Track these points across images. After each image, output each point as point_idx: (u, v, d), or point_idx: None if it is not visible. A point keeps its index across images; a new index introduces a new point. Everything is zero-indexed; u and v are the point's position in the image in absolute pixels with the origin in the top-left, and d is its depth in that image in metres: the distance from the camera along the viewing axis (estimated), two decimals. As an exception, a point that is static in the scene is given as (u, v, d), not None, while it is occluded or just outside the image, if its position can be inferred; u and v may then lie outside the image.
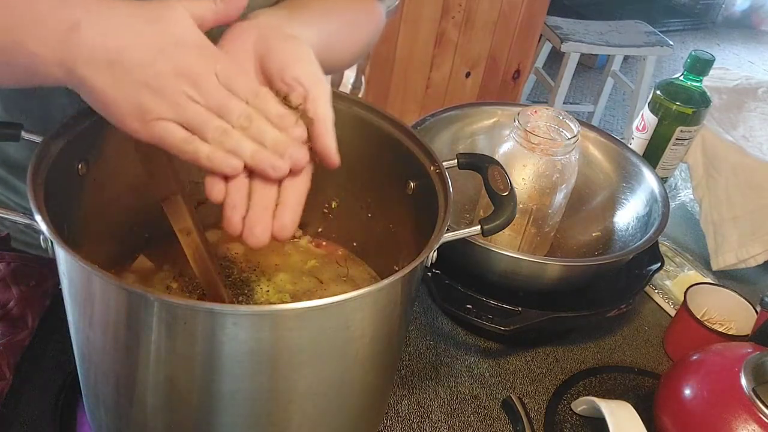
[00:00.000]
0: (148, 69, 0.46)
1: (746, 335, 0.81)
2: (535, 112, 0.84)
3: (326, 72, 0.58)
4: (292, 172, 0.50)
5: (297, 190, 0.51)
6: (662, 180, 0.93)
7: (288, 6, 0.60)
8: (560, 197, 0.85)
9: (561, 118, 0.83)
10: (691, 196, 1.09)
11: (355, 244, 0.75)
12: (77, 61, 0.46)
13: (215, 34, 0.52)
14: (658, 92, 1.01)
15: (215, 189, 0.49)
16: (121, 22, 0.47)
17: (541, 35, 2.74)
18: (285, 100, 0.51)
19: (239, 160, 0.49)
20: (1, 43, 0.47)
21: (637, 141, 1.05)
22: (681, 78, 1.01)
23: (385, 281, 0.48)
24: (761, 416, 0.61)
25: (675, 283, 0.97)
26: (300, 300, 0.61)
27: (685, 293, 0.84)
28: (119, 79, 0.46)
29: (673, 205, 1.06)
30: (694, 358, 0.71)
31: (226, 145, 0.48)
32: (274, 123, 0.49)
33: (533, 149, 0.81)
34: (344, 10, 0.68)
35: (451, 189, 0.57)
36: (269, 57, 0.52)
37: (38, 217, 0.46)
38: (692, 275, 0.99)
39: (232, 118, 0.48)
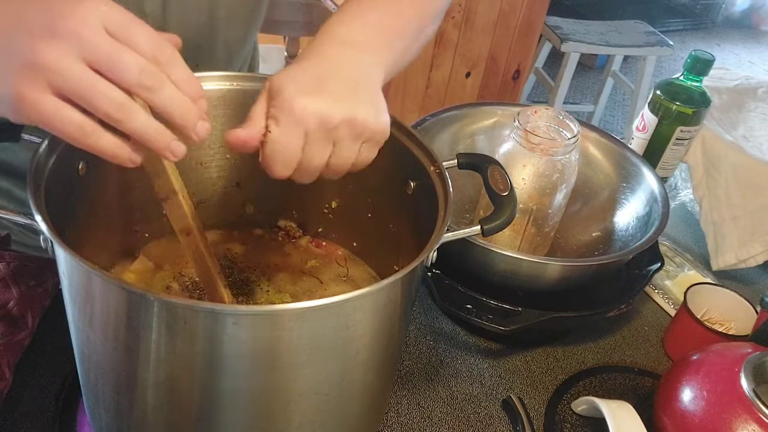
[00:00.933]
0: (12, 23, 0.40)
1: (746, 335, 0.81)
2: (535, 112, 0.84)
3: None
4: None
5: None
6: (662, 180, 0.93)
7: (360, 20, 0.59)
8: (560, 197, 0.85)
9: (561, 118, 0.83)
10: (691, 196, 1.09)
11: (355, 244, 0.75)
12: None
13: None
14: (658, 92, 1.01)
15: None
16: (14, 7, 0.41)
17: (541, 35, 2.74)
18: None
19: (140, 154, 0.45)
20: None
21: (637, 141, 1.05)
22: (681, 78, 1.01)
23: (385, 281, 0.48)
24: (761, 416, 0.61)
25: (675, 283, 0.97)
26: (300, 300, 0.61)
27: (685, 293, 0.84)
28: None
29: (673, 205, 1.06)
30: (694, 358, 0.71)
31: (125, 123, 0.41)
32: (178, 85, 0.44)
33: (533, 149, 0.81)
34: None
35: (451, 189, 0.57)
36: None
37: (38, 217, 0.46)
38: (692, 275, 0.99)
39: (130, 77, 0.40)
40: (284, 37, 1.68)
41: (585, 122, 0.93)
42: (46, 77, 0.39)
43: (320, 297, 0.68)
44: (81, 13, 0.39)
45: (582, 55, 2.81)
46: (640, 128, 1.04)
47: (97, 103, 0.40)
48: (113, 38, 0.40)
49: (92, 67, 0.40)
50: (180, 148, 0.45)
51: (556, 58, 2.94)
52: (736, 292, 0.87)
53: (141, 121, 0.42)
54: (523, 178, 0.82)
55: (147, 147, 0.45)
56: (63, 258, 0.49)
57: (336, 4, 1.52)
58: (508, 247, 0.84)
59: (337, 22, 0.58)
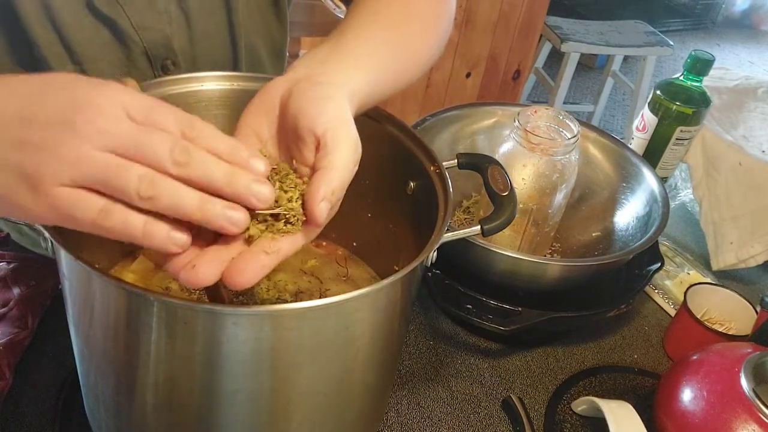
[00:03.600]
0: (24, 115, 0.35)
1: (746, 335, 0.81)
2: (535, 112, 0.84)
3: (395, 94, 0.56)
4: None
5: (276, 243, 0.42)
6: (662, 180, 0.93)
7: (329, 47, 0.53)
8: (560, 197, 0.85)
9: (561, 118, 0.83)
10: (691, 196, 1.09)
11: (355, 244, 0.75)
12: None
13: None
14: (658, 92, 1.01)
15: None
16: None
17: (541, 35, 2.74)
18: (300, 156, 0.45)
19: (184, 233, 0.38)
20: None
21: (637, 141, 1.05)
22: (681, 78, 1.01)
23: (385, 281, 0.48)
24: (761, 416, 0.61)
25: (675, 283, 0.97)
26: (300, 300, 0.61)
27: (685, 293, 0.84)
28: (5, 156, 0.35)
29: (673, 205, 1.06)
30: (694, 358, 0.71)
31: (160, 201, 0.36)
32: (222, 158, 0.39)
33: (533, 149, 0.81)
34: (399, 24, 0.61)
35: (451, 189, 0.57)
36: (289, 109, 0.46)
37: (38, 217, 0.46)
38: (692, 275, 0.99)
39: (161, 156, 0.36)
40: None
41: (585, 122, 0.93)
42: (61, 171, 0.35)
43: (320, 297, 0.68)
44: (99, 104, 0.36)
45: (582, 55, 2.81)
46: (640, 128, 1.04)
47: (124, 184, 0.35)
48: (137, 124, 0.36)
49: (117, 155, 0.36)
50: (238, 217, 0.39)
51: (556, 58, 2.94)
52: (736, 292, 0.87)
53: (178, 194, 0.37)
54: (523, 178, 0.82)
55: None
56: (63, 258, 0.49)
57: (336, 5, 1.52)
58: (508, 247, 0.84)
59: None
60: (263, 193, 0.39)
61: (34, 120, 0.35)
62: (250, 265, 0.41)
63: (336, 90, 0.48)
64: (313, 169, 0.43)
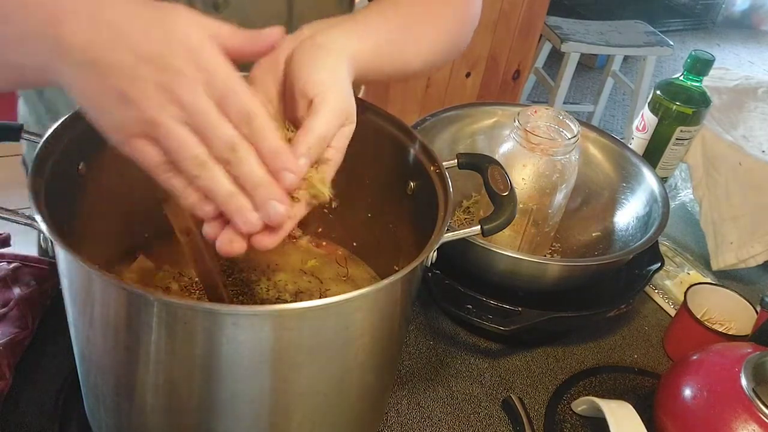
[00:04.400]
0: (125, 74, 0.40)
1: (746, 335, 0.81)
2: (535, 112, 0.84)
3: (395, 75, 0.58)
4: (268, 229, 0.46)
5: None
6: (662, 180, 0.93)
7: (341, 18, 0.56)
8: (560, 197, 0.85)
9: (561, 118, 0.83)
10: (691, 196, 1.09)
11: (355, 244, 0.75)
12: (57, 63, 0.41)
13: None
14: (658, 92, 1.01)
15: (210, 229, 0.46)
16: (108, 17, 0.41)
17: (541, 35, 2.74)
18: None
19: (211, 206, 0.44)
20: None
21: (637, 141, 1.05)
22: (681, 78, 1.01)
23: (385, 281, 0.48)
24: (761, 416, 0.61)
25: (675, 283, 0.97)
26: (300, 300, 0.61)
27: (685, 293, 0.84)
28: (96, 84, 0.41)
29: (673, 205, 1.06)
30: (694, 358, 0.71)
31: (200, 181, 0.42)
32: (264, 159, 0.43)
33: (533, 149, 0.81)
34: (408, 13, 0.63)
35: (451, 189, 0.57)
36: (288, 69, 0.49)
37: (38, 217, 0.46)
38: (692, 275, 0.99)
39: (215, 144, 0.42)
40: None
41: (585, 122, 0.93)
42: (144, 121, 0.41)
43: (320, 297, 0.68)
44: (188, 73, 0.40)
45: (582, 55, 2.81)
46: (640, 128, 1.05)
47: (182, 158, 0.42)
48: (213, 101, 0.41)
49: (188, 122, 0.41)
50: (250, 221, 0.44)
51: (556, 58, 2.94)
52: (736, 292, 0.87)
53: (215, 182, 0.43)
54: (523, 178, 0.82)
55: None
56: (63, 258, 0.49)
57: None
58: (508, 247, 0.84)
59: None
60: (276, 211, 0.44)
61: (129, 74, 0.40)
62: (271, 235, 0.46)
63: (334, 54, 0.50)
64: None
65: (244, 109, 0.42)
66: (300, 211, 0.49)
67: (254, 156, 0.43)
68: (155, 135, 0.41)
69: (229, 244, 0.45)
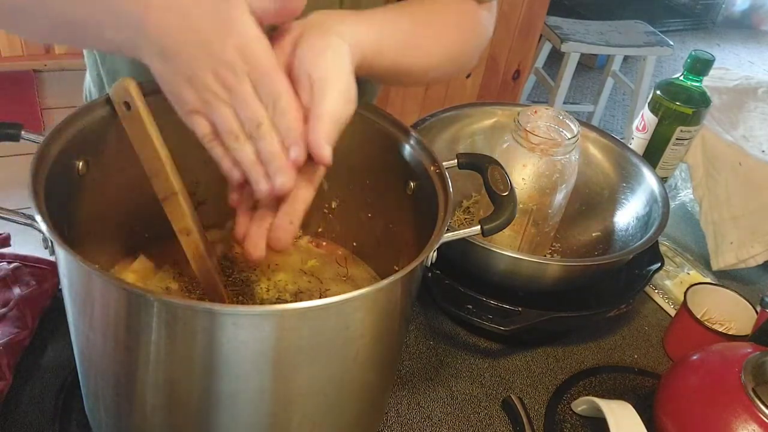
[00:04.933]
0: (191, 63, 0.47)
1: (746, 335, 0.81)
2: (535, 112, 0.84)
3: (395, 73, 0.60)
4: (277, 196, 0.52)
5: (294, 203, 0.53)
6: (662, 180, 0.93)
7: (355, 10, 0.59)
8: (560, 197, 0.85)
9: (561, 118, 0.83)
10: (691, 196, 1.09)
11: (355, 244, 0.75)
12: (142, 48, 0.48)
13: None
14: (658, 92, 1.01)
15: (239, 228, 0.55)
16: (184, 9, 0.47)
17: (541, 35, 2.74)
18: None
19: (239, 173, 0.51)
20: (79, 24, 0.50)
21: (637, 141, 1.05)
22: (681, 78, 1.01)
23: (385, 281, 0.48)
24: (761, 416, 0.61)
25: (675, 283, 0.97)
26: (300, 300, 0.61)
27: (685, 293, 0.84)
28: (168, 68, 0.48)
29: (673, 205, 1.06)
30: (694, 358, 0.71)
31: (232, 151, 0.50)
32: (281, 135, 0.50)
33: (533, 149, 0.81)
34: (420, 12, 0.66)
35: (451, 189, 0.57)
36: (295, 53, 0.52)
37: (38, 217, 0.46)
38: (692, 275, 0.99)
39: (245, 122, 0.49)
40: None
41: (585, 122, 0.93)
42: (201, 100, 0.48)
43: (320, 297, 0.68)
44: (233, 61, 0.47)
45: (582, 55, 2.81)
46: (640, 128, 1.04)
47: (222, 128, 0.49)
48: (250, 82, 0.48)
49: (230, 102, 0.48)
50: (263, 189, 0.50)
51: (556, 58, 2.94)
52: (736, 292, 0.87)
53: (242, 152, 0.50)
54: (523, 178, 0.82)
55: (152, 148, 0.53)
56: (63, 258, 0.49)
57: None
58: (508, 247, 0.84)
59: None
60: (281, 182, 0.50)
61: (194, 63, 0.47)
62: (284, 233, 0.54)
63: (339, 41, 0.53)
64: (306, 114, 0.50)
65: (274, 91, 0.48)
66: (309, 193, 0.54)
67: (273, 133, 0.49)
68: (206, 111, 0.49)
69: (254, 248, 0.54)
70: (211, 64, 0.47)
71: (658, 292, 0.95)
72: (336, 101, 0.51)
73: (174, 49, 0.47)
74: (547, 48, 2.95)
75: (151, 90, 0.56)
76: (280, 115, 0.49)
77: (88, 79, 0.89)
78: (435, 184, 0.59)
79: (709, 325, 0.82)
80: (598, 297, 0.83)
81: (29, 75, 2.92)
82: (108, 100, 0.56)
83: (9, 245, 0.78)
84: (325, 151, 0.50)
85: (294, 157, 0.50)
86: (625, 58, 3.15)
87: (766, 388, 0.64)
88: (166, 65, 0.48)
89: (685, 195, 1.14)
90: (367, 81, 0.63)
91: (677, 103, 0.99)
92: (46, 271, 0.74)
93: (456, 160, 0.63)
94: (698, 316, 0.82)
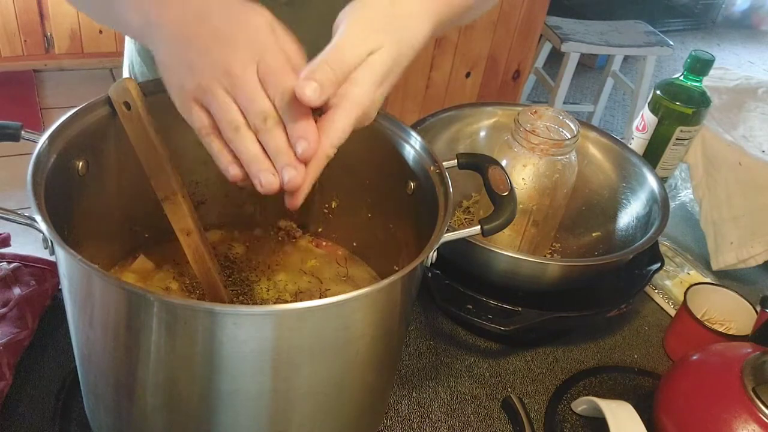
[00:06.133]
0: (199, 49, 0.48)
1: (746, 335, 0.81)
2: (535, 112, 0.84)
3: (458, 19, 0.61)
4: (284, 191, 0.50)
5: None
6: (662, 180, 0.93)
7: None
8: (560, 197, 0.85)
9: (561, 118, 0.83)
10: (691, 196, 1.09)
11: (355, 244, 0.75)
12: (150, 35, 0.50)
13: None
14: (658, 92, 1.01)
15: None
16: (197, 3, 0.49)
17: (541, 35, 2.74)
18: None
19: (238, 170, 0.49)
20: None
21: (637, 141, 1.05)
22: (681, 78, 1.01)
23: (385, 281, 0.48)
24: (761, 416, 0.61)
25: (675, 283, 0.97)
26: (300, 300, 0.61)
27: (685, 293, 0.84)
28: (172, 54, 0.49)
29: (673, 205, 1.06)
30: (694, 358, 0.71)
31: (232, 143, 0.49)
32: (288, 128, 0.49)
33: (533, 149, 0.81)
34: None
35: (451, 189, 0.57)
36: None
37: (38, 217, 0.46)
38: (692, 275, 0.99)
39: (250, 114, 0.48)
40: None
41: (585, 122, 0.93)
42: (201, 89, 0.48)
43: (320, 297, 0.68)
44: (244, 60, 0.47)
45: (582, 55, 2.81)
46: (640, 128, 1.04)
47: (223, 122, 0.48)
48: (258, 78, 0.48)
49: (232, 92, 0.48)
50: (267, 182, 0.48)
51: (556, 58, 2.94)
52: (736, 292, 0.86)
53: (244, 145, 0.48)
54: (523, 178, 0.82)
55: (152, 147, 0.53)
56: (63, 258, 0.49)
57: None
58: (508, 247, 0.84)
59: None
60: (289, 176, 0.48)
61: (198, 53, 0.48)
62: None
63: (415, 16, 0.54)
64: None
65: (282, 86, 0.48)
66: (320, 163, 0.51)
67: (281, 127, 0.48)
68: (205, 101, 0.48)
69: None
70: (221, 52, 0.47)
71: (658, 292, 0.95)
72: (352, 38, 0.50)
73: (185, 36, 0.48)
74: (547, 48, 2.95)
75: (151, 90, 0.56)
76: (287, 108, 0.48)
77: (131, 48, 0.91)
78: (435, 184, 0.59)
79: (709, 325, 0.82)
80: (598, 297, 0.83)
81: (29, 75, 2.92)
82: (108, 100, 0.56)
83: (9, 245, 0.78)
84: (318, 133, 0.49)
85: (301, 151, 0.49)
86: (625, 58, 3.15)
87: (766, 388, 0.64)
88: (173, 52, 0.49)
89: (685, 195, 1.14)
90: None
91: (677, 103, 0.99)
92: (46, 271, 0.74)
93: (456, 160, 0.63)
94: (698, 316, 0.82)
